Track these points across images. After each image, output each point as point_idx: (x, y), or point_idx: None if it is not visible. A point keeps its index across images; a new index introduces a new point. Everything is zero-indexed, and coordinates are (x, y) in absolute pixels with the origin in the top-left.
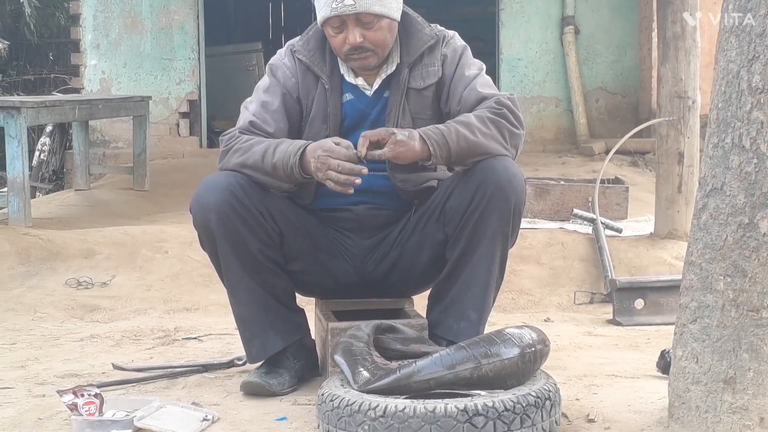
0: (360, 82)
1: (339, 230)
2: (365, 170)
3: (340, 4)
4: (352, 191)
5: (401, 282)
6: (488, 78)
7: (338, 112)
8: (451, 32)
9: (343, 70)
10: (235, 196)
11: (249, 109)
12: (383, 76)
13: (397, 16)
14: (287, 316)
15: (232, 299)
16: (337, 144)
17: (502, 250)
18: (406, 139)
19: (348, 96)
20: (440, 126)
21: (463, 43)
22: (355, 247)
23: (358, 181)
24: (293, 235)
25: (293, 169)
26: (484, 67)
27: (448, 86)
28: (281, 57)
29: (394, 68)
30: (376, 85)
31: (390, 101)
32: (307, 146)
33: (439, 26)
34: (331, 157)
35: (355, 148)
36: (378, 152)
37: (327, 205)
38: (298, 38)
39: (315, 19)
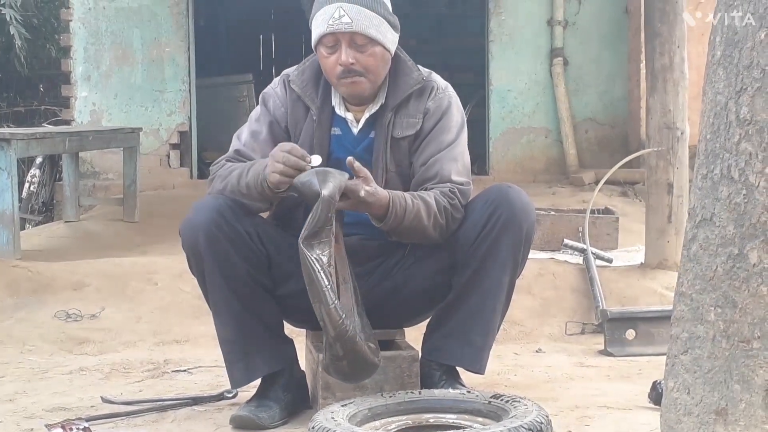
0: (350, 117)
1: None
2: (309, 160)
3: (336, 22)
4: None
5: (397, 312)
6: (461, 147)
7: (326, 143)
8: (443, 83)
9: (335, 101)
10: (223, 216)
11: (240, 139)
12: (367, 115)
13: (392, 48)
14: (274, 343)
15: (217, 321)
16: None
17: (511, 277)
18: (376, 196)
19: (336, 131)
20: (407, 199)
21: (451, 99)
22: None
23: (310, 161)
24: (282, 257)
25: (262, 184)
26: (465, 126)
27: (421, 141)
28: (274, 86)
29: (377, 108)
30: (361, 123)
31: (376, 146)
32: None
33: (433, 74)
34: (280, 150)
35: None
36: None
37: None
38: (294, 68)
39: (306, 49)
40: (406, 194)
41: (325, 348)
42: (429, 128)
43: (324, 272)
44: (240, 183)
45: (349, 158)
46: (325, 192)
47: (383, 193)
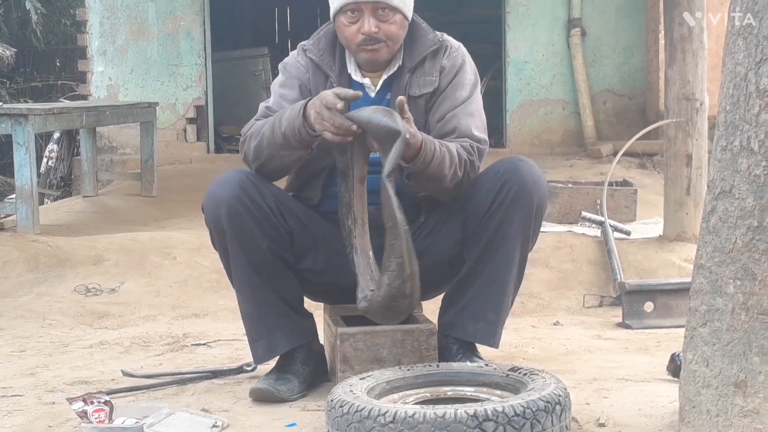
0: (367, 81)
1: None
2: (355, 127)
3: None
4: (350, 139)
5: None
6: (477, 104)
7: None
8: (456, 43)
9: (351, 68)
10: (245, 191)
11: (268, 102)
12: (385, 77)
13: (410, 15)
14: (294, 319)
15: (239, 297)
16: (337, 95)
17: (522, 252)
18: (415, 138)
19: None
20: (437, 145)
21: (464, 57)
22: None
23: (353, 128)
24: (303, 233)
25: (300, 130)
26: (479, 84)
27: (437, 98)
28: (294, 56)
29: (395, 69)
30: (378, 86)
31: (392, 105)
32: (308, 103)
33: (445, 35)
34: (326, 107)
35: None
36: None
37: (335, 207)
38: (308, 39)
39: (322, 23)
40: (435, 140)
41: (386, 286)
42: (444, 85)
43: (402, 210)
44: (275, 135)
45: (401, 98)
46: (402, 128)
47: (419, 135)
